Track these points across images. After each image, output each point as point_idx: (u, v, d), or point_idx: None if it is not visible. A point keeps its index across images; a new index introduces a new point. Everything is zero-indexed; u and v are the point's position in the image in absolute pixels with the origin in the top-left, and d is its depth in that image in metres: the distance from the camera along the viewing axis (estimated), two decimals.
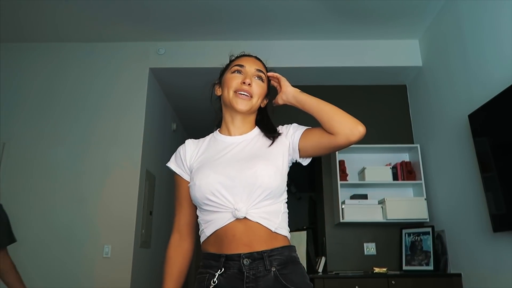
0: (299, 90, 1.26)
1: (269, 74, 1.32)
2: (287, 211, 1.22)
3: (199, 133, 5.68)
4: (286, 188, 1.23)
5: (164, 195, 4.40)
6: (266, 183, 1.13)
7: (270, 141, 1.25)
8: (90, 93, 3.67)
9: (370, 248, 3.61)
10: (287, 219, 1.21)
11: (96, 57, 3.79)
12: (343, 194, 3.57)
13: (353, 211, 3.47)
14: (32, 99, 3.64)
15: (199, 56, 3.79)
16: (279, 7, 3.32)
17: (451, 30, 3.16)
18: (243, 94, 1.25)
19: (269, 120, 1.35)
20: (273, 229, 1.13)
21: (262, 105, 1.33)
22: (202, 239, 1.20)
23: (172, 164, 1.31)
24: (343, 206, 3.48)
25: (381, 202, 3.53)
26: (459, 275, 3.01)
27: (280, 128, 1.29)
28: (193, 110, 4.89)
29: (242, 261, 1.08)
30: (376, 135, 3.89)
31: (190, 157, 1.28)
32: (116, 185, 3.40)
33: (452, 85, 3.16)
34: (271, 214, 1.14)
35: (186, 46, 3.83)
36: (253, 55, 1.35)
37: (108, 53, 3.81)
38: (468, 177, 2.88)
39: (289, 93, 1.26)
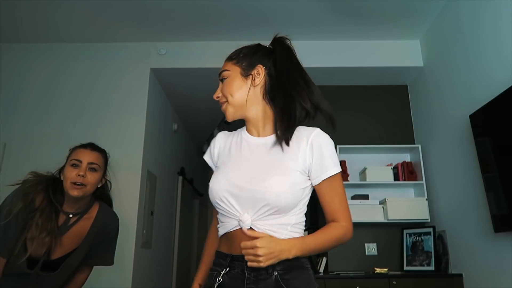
0: (294, 249, 1.08)
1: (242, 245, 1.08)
2: (301, 220, 1.18)
3: (200, 133, 5.67)
4: (304, 201, 1.17)
5: (165, 195, 4.41)
6: (274, 201, 1.09)
7: (288, 148, 1.16)
8: (91, 94, 3.68)
9: (371, 249, 3.61)
10: (300, 229, 1.17)
11: (97, 58, 3.79)
12: None
13: (354, 212, 3.40)
14: (33, 99, 3.65)
15: (200, 56, 3.79)
16: (280, 8, 3.32)
17: (452, 31, 3.16)
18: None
19: (290, 121, 1.17)
20: None
21: None
22: (218, 236, 1.22)
23: (207, 157, 1.33)
24: None
25: (382, 202, 3.53)
26: (460, 275, 3.01)
27: (304, 133, 1.17)
28: (194, 110, 4.89)
29: (246, 262, 1.08)
30: (377, 135, 3.89)
31: (218, 152, 1.29)
32: (117, 186, 3.36)
33: (453, 85, 3.16)
34: (279, 227, 1.12)
35: (187, 46, 3.83)
36: None
37: (109, 54, 3.81)
38: (469, 177, 2.88)
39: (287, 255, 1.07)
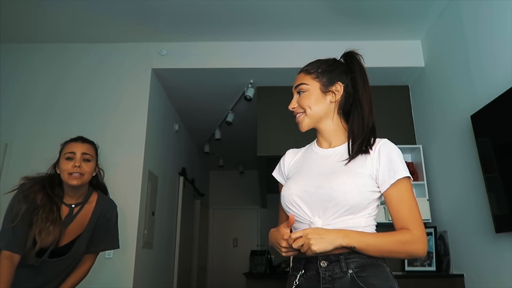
0: (347, 237, 1.09)
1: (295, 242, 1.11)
2: (372, 224, 1.21)
3: (202, 134, 5.65)
4: (374, 205, 1.21)
5: (166, 195, 4.41)
6: (342, 199, 1.13)
7: (356, 157, 1.22)
8: (93, 94, 3.68)
9: None
10: (372, 231, 1.20)
11: (98, 58, 3.79)
12: None
13: None
14: (34, 99, 3.65)
15: (201, 56, 3.79)
16: (281, 8, 3.32)
17: (454, 31, 3.16)
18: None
19: (362, 135, 1.27)
20: None
21: None
22: None
23: (275, 173, 1.42)
24: None
25: (383, 202, 3.51)
26: (462, 276, 3.00)
27: (377, 144, 1.26)
28: (196, 111, 4.89)
29: (319, 263, 1.12)
30: (378, 135, 3.87)
31: (288, 166, 1.37)
32: (118, 186, 3.39)
33: (454, 85, 3.15)
34: (349, 230, 1.13)
35: (188, 46, 3.83)
36: None
37: (110, 54, 3.81)
38: (471, 177, 2.88)
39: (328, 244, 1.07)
